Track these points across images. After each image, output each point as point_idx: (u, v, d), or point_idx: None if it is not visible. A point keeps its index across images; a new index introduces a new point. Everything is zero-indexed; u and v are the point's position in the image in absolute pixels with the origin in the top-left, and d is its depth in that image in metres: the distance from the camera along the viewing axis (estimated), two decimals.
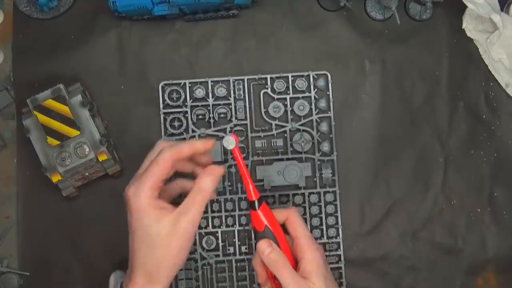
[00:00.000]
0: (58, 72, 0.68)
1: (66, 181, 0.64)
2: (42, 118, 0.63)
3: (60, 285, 0.67)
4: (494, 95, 0.70)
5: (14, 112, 0.68)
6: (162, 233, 0.52)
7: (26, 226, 0.68)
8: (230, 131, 0.68)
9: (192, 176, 0.59)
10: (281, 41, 0.70)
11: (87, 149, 0.63)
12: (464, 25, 0.69)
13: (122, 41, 0.69)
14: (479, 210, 0.69)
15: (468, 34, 0.69)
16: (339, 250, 0.68)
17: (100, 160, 0.64)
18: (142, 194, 0.53)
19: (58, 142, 0.63)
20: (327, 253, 0.67)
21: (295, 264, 0.57)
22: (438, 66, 0.70)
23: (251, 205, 0.57)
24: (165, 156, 0.54)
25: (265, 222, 0.57)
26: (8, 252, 0.68)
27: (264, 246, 0.56)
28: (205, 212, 0.67)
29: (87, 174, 0.65)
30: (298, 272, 0.56)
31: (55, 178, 0.63)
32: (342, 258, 0.68)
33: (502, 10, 0.68)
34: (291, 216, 0.58)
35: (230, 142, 0.55)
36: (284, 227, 0.59)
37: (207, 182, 0.54)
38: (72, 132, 0.63)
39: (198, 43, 0.69)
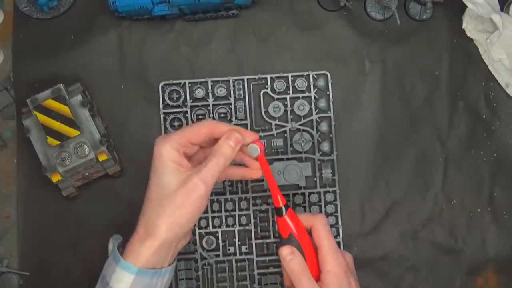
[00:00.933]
0: (58, 72, 0.68)
1: (66, 181, 0.64)
2: (42, 118, 0.63)
3: (60, 285, 0.67)
4: (494, 95, 0.70)
5: (14, 112, 0.68)
6: (172, 185, 0.52)
7: (26, 226, 0.68)
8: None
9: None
10: (281, 41, 0.70)
11: (87, 149, 0.63)
12: (464, 25, 0.69)
13: (122, 41, 0.69)
14: (479, 210, 0.69)
15: (468, 34, 0.69)
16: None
17: (100, 160, 0.64)
18: (167, 144, 0.53)
19: (58, 142, 0.63)
20: None
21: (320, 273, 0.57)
22: (438, 66, 0.70)
23: (277, 211, 0.57)
24: (202, 122, 0.55)
25: (292, 228, 0.56)
26: (8, 252, 0.68)
27: (286, 253, 0.56)
28: (205, 212, 0.67)
29: (87, 174, 0.65)
30: (319, 283, 0.55)
31: (55, 178, 0.63)
32: None
33: (502, 10, 0.68)
34: (316, 225, 0.57)
35: (255, 149, 0.55)
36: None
37: (224, 146, 0.54)
38: (72, 132, 0.63)
39: (198, 43, 0.69)
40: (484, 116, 0.70)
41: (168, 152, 0.53)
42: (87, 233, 0.68)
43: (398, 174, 0.69)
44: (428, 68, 0.70)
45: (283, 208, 0.56)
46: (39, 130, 0.63)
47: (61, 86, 0.64)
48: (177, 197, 0.52)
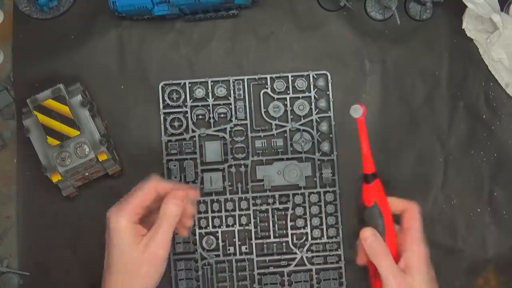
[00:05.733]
0: (58, 72, 0.68)
1: (66, 181, 0.64)
2: (42, 118, 0.63)
3: (60, 285, 0.67)
4: (494, 95, 0.70)
5: (14, 112, 0.68)
6: (134, 258, 0.54)
7: (26, 226, 0.68)
8: (230, 131, 0.68)
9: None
10: (281, 41, 0.70)
11: (87, 149, 0.63)
12: (464, 25, 0.69)
13: (122, 41, 0.69)
14: (479, 210, 0.69)
15: (468, 34, 0.69)
16: (339, 250, 0.68)
17: (100, 160, 0.64)
18: (122, 217, 0.54)
19: (58, 142, 0.63)
20: (327, 253, 0.68)
21: (396, 255, 0.57)
22: (438, 66, 0.70)
23: (365, 178, 0.57)
24: (148, 183, 0.56)
25: (375, 199, 0.57)
26: (8, 252, 0.68)
27: (368, 234, 0.57)
28: (205, 212, 0.67)
29: (87, 174, 0.65)
30: (398, 265, 0.56)
31: (55, 178, 0.63)
32: (342, 258, 0.68)
33: (502, 10, 0.68)
34: (412, 209, 0.58)
35: (357, 110, 0.56)
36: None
37: (170, 206, 0.55)
38: (72, 132, 0.63)
39: (198, 43, 0.69)
40: (484, 116, 0.70)
41: (125, 226, 0.54)
42: (87, 233, 0.68)
43: (398, 174, 0.69)
44: (428, 68, 0.70)
45: (372, 176, 0.57)
46: (39, 130, 0.63)
47: (61, 86, 0.64)
48: (141, 268, 0.54)
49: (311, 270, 0.67)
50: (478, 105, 0.70)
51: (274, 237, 0.68)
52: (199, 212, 0.67)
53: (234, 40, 0.69)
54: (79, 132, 0.63)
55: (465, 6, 0.66)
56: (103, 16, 0.69)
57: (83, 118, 0.64)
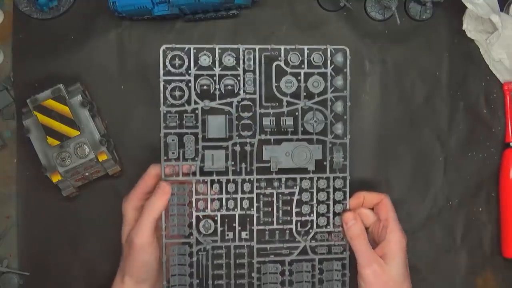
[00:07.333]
0: (58, 72, 0.68)
1: (66, 181, 0.64)
2: (42, 118, 0.63)
3: (60, 285, 0.68)
4: (494, 95, 0.70)
5: (14, 112, 0.68)
6: (135, 243, 0.59)
7: (26, 226, 0.68)
8: (237, 105, 0.63)
9: None
10: (281, 41, 0.69)
11: (87, 149, 0.63)
12: (464, 26, 0.68)
13: (122, 41, 0.69)
14: (479, 209, 0.70)
15: (469, 35, 0.69)
16: (344, 239, 0.63)
17: (100, 160, 0.64)
18: (129, 205, 0.61)
19: (58, 142, 0.63)
20: (332, 243, 0.63)
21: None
22: (438, 66, 0.70)
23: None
24: (148, 171, 0.61)
25: None
26: (8, 252, 0.68)
27: (350, 217, 0.61)
28: (204, 193, 0.62)
29: (87, 174, 0.65)
30: (376, 251, 0.59)
31: (55, 178, 0.63)
32: (347, 248, 0.63)
33: (502, 10, 0.68)
34: (385, 200, 0.62)
35: None
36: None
37: (153, 198, 0.60)
38: (72, 132, 0.63)
39: (198, 43, 0.69)
40: (484, 116, 0.70)
41: (131, 213, 0.60)
42: (87, 233, 0.68)
43: (398, 174, 0.69)
44: (428, 68, 0.70)
45: None
46: (39, 130, 0.63)
47: (61, 86, 0.64)
48: (124, 250, 0.60)
49: (313, 259, 0.63)
50: (478, 105, 0.70)
51: (278, 223, 0.63)
52: (197, 193, 0.62)
53: (234, 40, 0.69)
54: (79, 132, 0.63)
55: (465, 7, 0.66)
56: (103, 16, 0.69)
57: (83, 118, 0.64)
